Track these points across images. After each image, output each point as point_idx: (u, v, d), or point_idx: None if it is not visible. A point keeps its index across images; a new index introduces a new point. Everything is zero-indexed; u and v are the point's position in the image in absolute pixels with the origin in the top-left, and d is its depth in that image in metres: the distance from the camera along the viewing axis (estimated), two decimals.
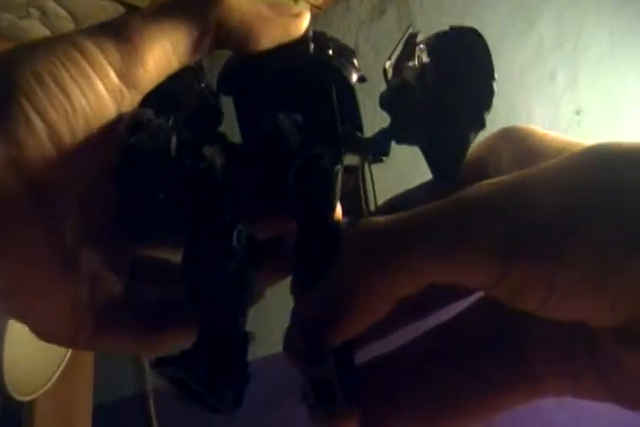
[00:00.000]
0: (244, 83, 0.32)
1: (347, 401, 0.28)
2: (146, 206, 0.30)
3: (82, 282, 0.30)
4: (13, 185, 0.27)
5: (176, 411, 1.52)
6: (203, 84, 0.32)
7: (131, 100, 0.29)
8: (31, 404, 0.98)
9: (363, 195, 0.33)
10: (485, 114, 0.28)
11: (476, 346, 0.31)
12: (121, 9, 1.27)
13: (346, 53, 0.32)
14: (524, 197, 0.24)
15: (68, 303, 0.30)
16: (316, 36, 0.32)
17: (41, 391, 0.94)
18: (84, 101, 0.27)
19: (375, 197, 0.33)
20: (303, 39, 0.32)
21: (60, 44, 0.28)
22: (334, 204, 0.31)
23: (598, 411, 0.87)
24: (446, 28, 0.30)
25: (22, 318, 0.30)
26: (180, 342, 0.33)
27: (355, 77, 0.32)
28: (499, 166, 0.30)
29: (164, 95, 0.30)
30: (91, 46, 0.28)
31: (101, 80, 0.28)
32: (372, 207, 0.34)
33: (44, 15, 1.28)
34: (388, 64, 0.31)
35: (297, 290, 0.30)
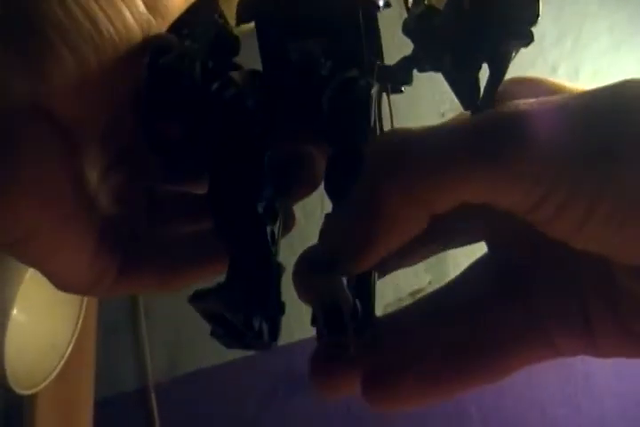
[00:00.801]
0: (268, 8, 0.31)
1: (357, 332, 0.27)
2: (173, 132, 0.29)
3: (102, 224, 0.30)
4: (37, 121, 0.26)
5: (177, 405, 1.52)
6: (217, 14, 0.31)
7: (158, 30, 0.29)
8: (32, 398, 0.98)
9: (379, 125, 0.31)
10: (529, 27, 0.27)
11: (484, 303, 0.31)
12: None
13: None
14: (566, 120, 0.23)
15: (90, 248, 0.29)
16: None
17: (42, 385, 0.94)
18: (112, 31, 0.27)
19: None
20: None
21: None
22: (372, 126, 0.30)
23: (600, 406, 0.87)
24: None
25: (40, 267, 0.29)
26: (207, 278, 0.33)
27: (381, 2, 0.31)
28: None
29: (182, 25, 0.29)
30: None
31: (129, 9, 0.27)
32: None
33: None
34: None
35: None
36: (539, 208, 0.24)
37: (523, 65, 1.28)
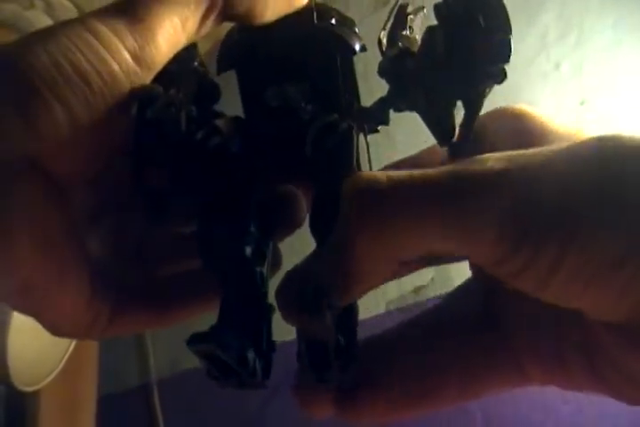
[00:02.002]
0: (247, 55, 0.32)
1: (341, 369, 0.28)
2: (162, 180, 0.30)
3: (94, 268, 0.30)
4: (30, 176, 0.27)
5: (180, 401, 1.52)
6: (197, 62, 0.32)
7: (144, 80, 0.29)
8: (35, 394, 0.98)
9: (357, 165, 0.32)
10: (502, 66, 0.28)
11: (459, 330, 0.31)
12: None
13: (348, 23, 0.32)
14: (537, 176, 0.24)
15: (84, 294, 0.30)
16: (318, 7, 0.32)
17: (45, 382, 0.94)
18: (100, 83, 0.27)
19: (371, 169, 0.33)
20: (306, 10, 0.32)
21: (73, 29, 0.28)
22: (354, 167, 0.31)
23: (603, 407, 0.87)
24: None
25: (37, 317, 0.30)
26: (195, 315, 0.34)
27: (358, 46, 0.32)
28: (495, 143, 0.30)
29: (165, 75, 0.30)
30: (104, 29, 0.28)
31: (116, 61, 0.28)
32: None
33: (49, 6, 1.27)
34: (382, 34, 0.31)
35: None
36: (503, 265, 0.24)
37: (526, 61, 1.28)
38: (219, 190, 0.31)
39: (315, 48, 0.32)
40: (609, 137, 0.25)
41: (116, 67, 0.28)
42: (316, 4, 0.32)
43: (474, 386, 0.30)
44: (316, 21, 0.32)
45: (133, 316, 0.33)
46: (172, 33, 0.29)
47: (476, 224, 0.24)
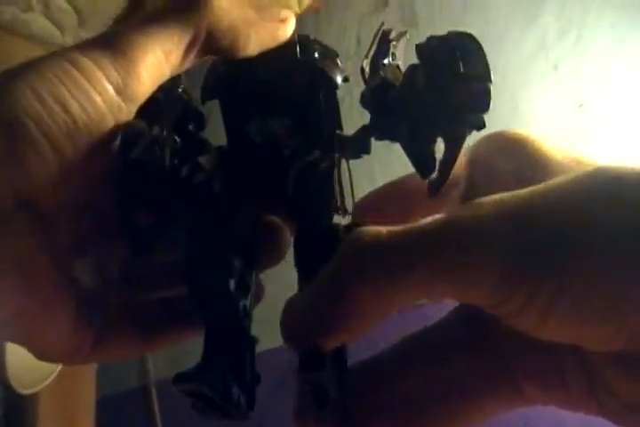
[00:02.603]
0: (230, 87, 0.33)
1: (337, 407, 0.28)
2: (148, 218, 0.30)
3: (79, 298, 0.30)
4: (18, 208, 0.27)
5: (178, 403, 1.52)
6: (181, 89, 0.33)
7: (128, 113, 0.29)
8: (34, 397, 0.98)
9: (339, 192, 0.33)
10: (482, 115, 0.28)
11: (454, 353, 0.31)
12: (124, 2, 1.27)
13: (330, 55, 0.33)
14: (532, 222, 0.24)
15: (69, 323, 0.30)
16: (301, 40, 0.33)
17: (44, 384, 0.94)
18: (84, 117, 0.28)
19: (353, 196, 0.34)
20: (289, 43, 0.32)
21: (56, 62, 0.28)
22: (332, 205, 0.32)
23: (583, 419, 0.87)
24: (443, 32, 0.30)
25: (23, 344, 0.30)
26: (181, 341, 0.34)
27: (339, 78, 0.32)
28: (496, 175, 0.30)
29: (150, 105, 0.30)
30: (87, 62, 0.28)
31: (100, 95, 0.28)
32: (350, 205, 0.34)
33: (47, 8, 1.27)
34: (365, 63, 0.31)
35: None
36: (500, 307, 0.25)
37: (524, 62, 1.29)
38: (203, 225, 0.31)
39: (298, 81, 0.32)
40: (605, 175, 0.25)
41: (99, 101, 0.28)
42: (299, 37, 0.33)
43: (474, 410, 0.30)
44: (299, 54, 0.32)
45: (118, 342, 0.33)
46: (155, 66, 0.29)
47: (467, 275, 0.24)
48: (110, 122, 0.29)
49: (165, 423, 1.50)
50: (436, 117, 0.29)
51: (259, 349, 0.31)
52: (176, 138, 0.31)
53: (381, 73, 0.31)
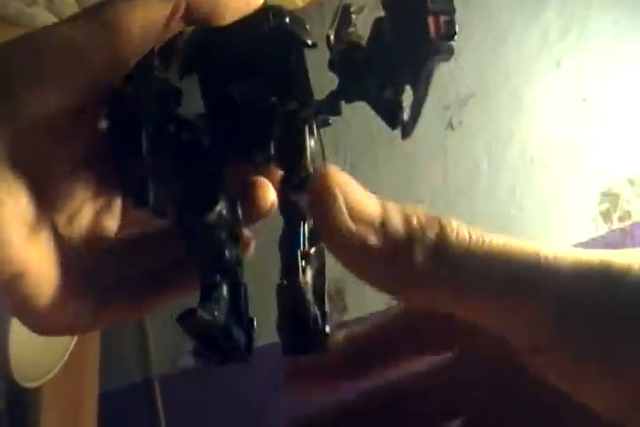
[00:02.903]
0: (208, 56, 0.35)
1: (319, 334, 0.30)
2: (141, 168, 0.31)
3: (77, 262, 0.31)
4: (12, 167, 0.28)
5: (181, 397, 1.53)
6: (156, 66, 0.33)
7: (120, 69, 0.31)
8: (37, 390, 0.98)
9: (323, 157, 0.35)
10: (449, 42, 0.30)
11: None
12: None
13: (300, 22, 0.35)
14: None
15: (68, 288, 0.31)
16: (272, 8, 0.34)
17: (47, 378, 0.94)
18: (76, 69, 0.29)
19: (324, 158, 0.36)
20: (262, 11, 0.34)
21: (48, 34, 0.30)
22: (307, 153, 0.33)
23: None
24: None
25: (24, 309, 0.31)
26: (179, 297, 0.36)
27: (309, 41, 0.34)
28: None
29: (128, 81, 0.31)
30: (77, 32, 0.29)
31: (95, 54, 0.29)
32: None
33: (51, 2, 1.27)
34: (330, 32, 0.33)
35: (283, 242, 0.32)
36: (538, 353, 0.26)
37: (528, 59, 1.28)
38: (191, 180, 0.33)
39: (270, 45, 0.34)
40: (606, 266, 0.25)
41: (95, 57, 0.29)
42: (270, 6, 0.35)
43: None
44: (271, 20, 0.34)
45: (117, 305, 0.34)
46: (140, 36, 0.30)
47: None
48: (102, 74, 0.30)
49: (168, 418, 1.51)
50: (404, 60, 0.30)
51: (255, 344, 0.32)
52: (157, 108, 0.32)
53: (346, 39, 0.33)
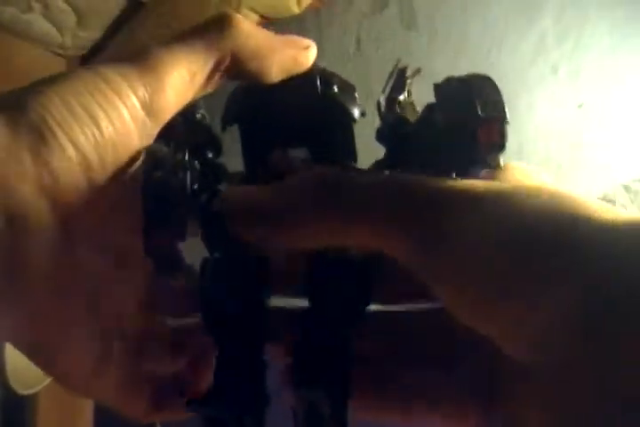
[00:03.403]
0: (250, 115, 0.33)
1: None
2: (170, 237, 0.30)
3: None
4: (44, 213, 0.27)
5: None
6: (200, 115, 0.33)
7: (152, 130, 0.29)
8: (33, 397, 0.98)
9: None
10: (498, 155, 0.29)
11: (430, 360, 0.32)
12: (123, 2, 1.27)
13: (349, 89, 0.33)
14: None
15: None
16: (322, 72, 0.33)
17: (43, 385, 0.94)
18: (111, 129, 0.27)
19: None
20: (310, 74, 0.33)
21: (85, 74, 0.28)
22: None
23: None
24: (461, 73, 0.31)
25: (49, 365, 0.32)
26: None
27: (357, 113, 0.33)
28: None
29: (166, 126, 0.30)
30: (115, 76, 0.28)
31: (127, 109, 0.28)
32: None
33: (46, 9, 1.27)
34: (381, 98, 0.32)
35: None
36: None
37: (523, 65, 1.29)
38: (218, 250, 0.32)
39: (317, 114, 0.33)
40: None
41: (126, 115, 0.28)
42: (319, 69, 0.33)
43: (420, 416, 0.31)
44: (319, 87, 0.33)
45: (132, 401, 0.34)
46: (181, 86, 0.30)
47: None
48: (135, 138, 0.29)
49: (164, 424, 1.50)
50: (451, 156, 0.29)
51: None
52: (196, 163, 0.31)
53: (397, 109, 0.32)
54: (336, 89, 0.33)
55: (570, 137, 1.36)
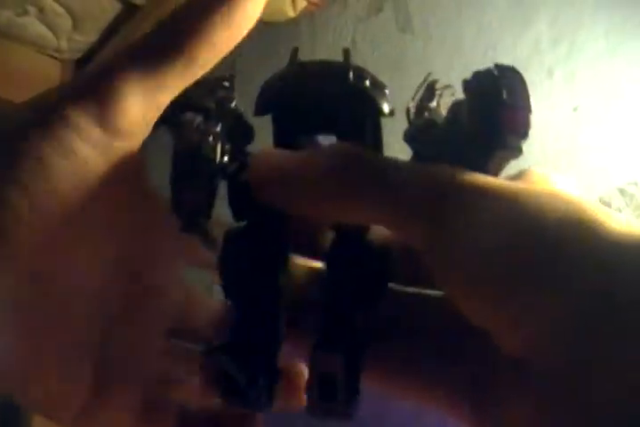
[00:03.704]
0: (286, 101, 0.34)
1: (346, 402, 0.30)
2: (196, 203, 0.31)
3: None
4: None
5: None
6: (234, 102, 0.34)
7: (123, 141, 0.30)
8: None
9: None
10: (521, 141, 0.29)
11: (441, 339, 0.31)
12: (118, 6, 1.27)
13: (380, 86, 0.34)
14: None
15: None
16: (355, 67, 0.34)
17: None
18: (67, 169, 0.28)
19: None
20: (344, 66, 0.33)
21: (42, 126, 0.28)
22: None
23: None
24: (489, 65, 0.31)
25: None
26: None
27: (387, 109, 0.33)
28: None
29: (200, 110, 0.32)
30: (76, 118, 0.28)
31: (82, 141, 0.29)
32: None
33: (42, 12, 1.27)
34: (411, 105, 0.33)
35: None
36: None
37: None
38: (243, 220, 0.33)
39: (348, 106, 0.34)
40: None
41: (82, 148, 0.28)
42: (354, 65, 0.34)
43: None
44: (351, 80, 0.33)
45: None
46: (141, 102, 0.30)
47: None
48: (100, 161, 0.29)
49: None
50: (476, 152, 0.30)
51: None
52: (227, 143, 0.32)
53: (426, 114, 0.33)
54: (368, 83, 0.34)
55: (565, 140, 1.36)
